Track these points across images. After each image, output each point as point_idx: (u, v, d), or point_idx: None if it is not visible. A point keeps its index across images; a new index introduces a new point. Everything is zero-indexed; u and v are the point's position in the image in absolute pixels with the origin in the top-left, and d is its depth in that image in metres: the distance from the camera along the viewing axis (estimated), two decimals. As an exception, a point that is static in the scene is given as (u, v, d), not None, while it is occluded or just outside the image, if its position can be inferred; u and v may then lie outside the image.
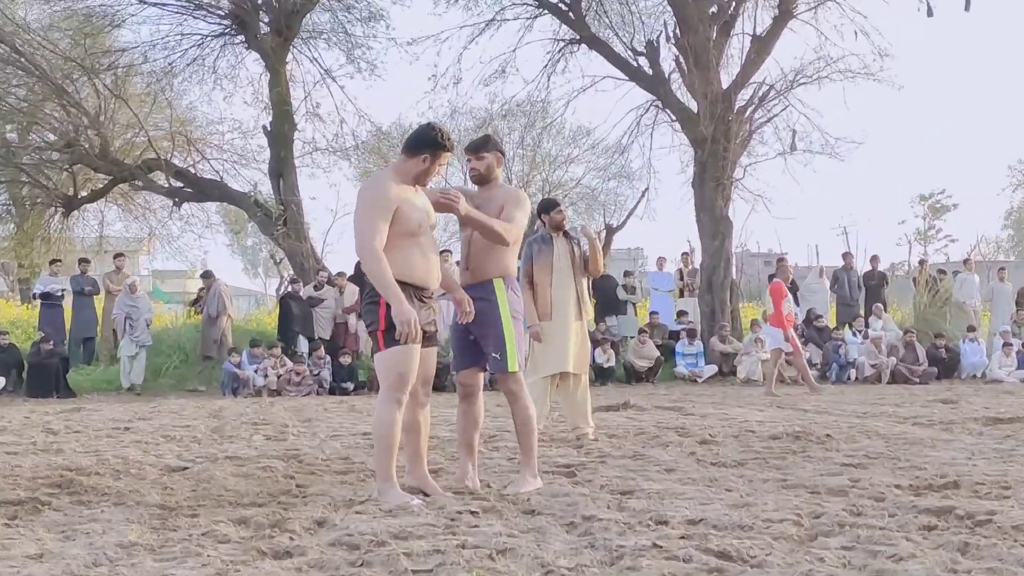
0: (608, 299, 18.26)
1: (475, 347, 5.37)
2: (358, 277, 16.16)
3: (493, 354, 5.27)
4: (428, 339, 5.07)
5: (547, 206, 8.14)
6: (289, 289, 18.00)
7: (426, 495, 4.99)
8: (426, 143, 5.00)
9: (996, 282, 20.25)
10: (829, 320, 18.95)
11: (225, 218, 28.97)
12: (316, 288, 17.16)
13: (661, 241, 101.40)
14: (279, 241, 19.48)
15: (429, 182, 5.16)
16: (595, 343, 15.45)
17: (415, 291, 4.94)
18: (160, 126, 20.85)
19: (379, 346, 4.91)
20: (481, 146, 5.44)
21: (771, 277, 19.86)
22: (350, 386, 15.37)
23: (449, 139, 5.05)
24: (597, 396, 10.83)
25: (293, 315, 16.78)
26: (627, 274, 19.63)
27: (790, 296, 13.83)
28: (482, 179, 5.43)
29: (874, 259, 20.17)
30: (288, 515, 4.47)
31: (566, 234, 8.03)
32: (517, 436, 5.47)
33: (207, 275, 17.55)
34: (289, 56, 19.98)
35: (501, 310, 5.26)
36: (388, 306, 4.82)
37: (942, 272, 20.51)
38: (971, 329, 18.01)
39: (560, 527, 4.23)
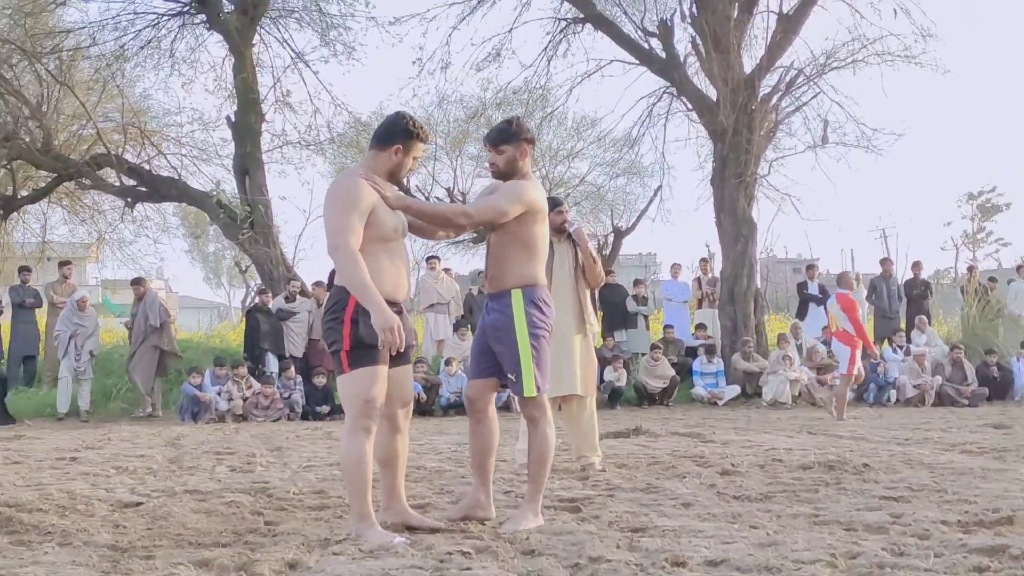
0: (616, 311, 18.28)
1: (489, 358, 5.38)
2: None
3: (509, 375, 5.28)
4: (400, 357, 5.11)
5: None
6: (256, 301, 17.99)
7: (411, 529, 5.00)
8: (398, 133, 5.08)
9: (1055, 291, 20.33)
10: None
11: (184, 221, 28.95)
12: (287, 300, 17.17)
13: (676, 246, 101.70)
14: (245, 246, 19.49)
15: (404, 177, 5.23)
16: (603, 361, 15.46)
17: None
18: (110, 117, 20.85)
19: (343, 368, 4.96)
20: (499, 137, 5.37)
21: (800, 286, 19.98)
22: (325, 410, 15.36)
23: (423, 128, 5.12)
24: (605, 421, 10.83)
25: (261, 330, 16.80)
26: (637, 283, 19.65)
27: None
28: (502, 176, 5.38)
29: (916, 266, 20.22)
30: (256, 557, 4.47)
31: (570, 238, 8.02)
32: (528, 466, 5.46)
33: (139, 281, 17.10)
34: (256, 38, 20.01)
35: (517, 326, 5.24)
36: (354, 322, 4.87)
37: (993, 280, 20.54)
38: (1026, 345, 18.06)
39: (563, 569, 4.23)
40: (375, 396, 4.93)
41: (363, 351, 4.88)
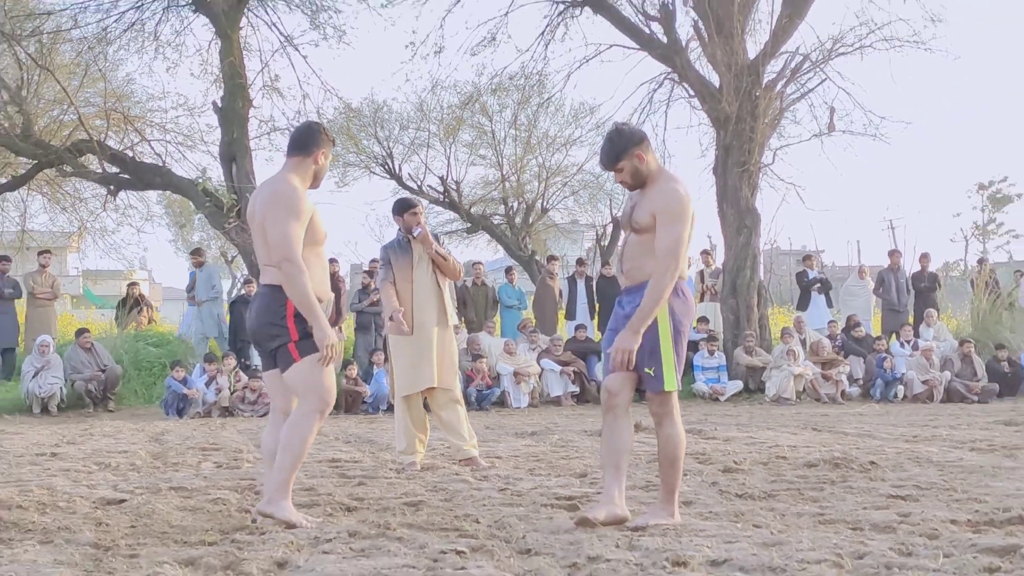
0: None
1: None
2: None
3: (647, 369, 5.22)
4: None
5: (399, 207, 8.28)
6: (242, 292, 17.96)
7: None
8: (317, 140, 5.54)
9: (1067, 284, 20.37)
10: (872, 328, 18.99)
11: (168, 209, 28.96)
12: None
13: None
14: (231, 236, 19.45)
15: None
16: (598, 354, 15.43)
17: None
18: (92, 102, 20.81)
19: (294, 358, 5.29)
20: (608, 158, 5.32)
21: (799, 276, 19.99)
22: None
23: (329, 132, 5.70)
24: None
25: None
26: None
27: None
28: (635, 186, 5.35)
29: (924, 258, 20.24)
30: (243, 555, 4.47)
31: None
32: (660, 468, 5.39)
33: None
34: (243, 20, 19.96)
35: (659, 319, 5.19)
36: (298, 315, 5.25)
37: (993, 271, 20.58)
38: (1037, 339, 18.10)
39: (561, 569, 4.23)
40: (330, 382, 5.34)
41: (311, 340, 5.26)
